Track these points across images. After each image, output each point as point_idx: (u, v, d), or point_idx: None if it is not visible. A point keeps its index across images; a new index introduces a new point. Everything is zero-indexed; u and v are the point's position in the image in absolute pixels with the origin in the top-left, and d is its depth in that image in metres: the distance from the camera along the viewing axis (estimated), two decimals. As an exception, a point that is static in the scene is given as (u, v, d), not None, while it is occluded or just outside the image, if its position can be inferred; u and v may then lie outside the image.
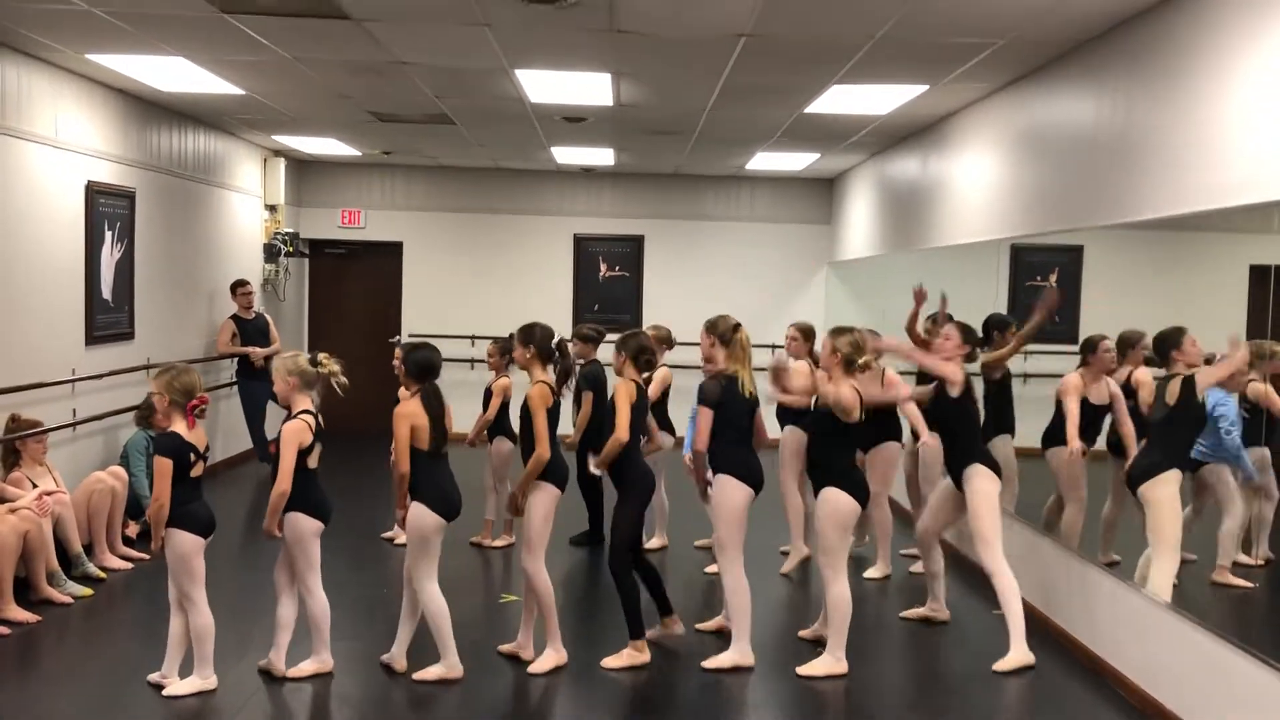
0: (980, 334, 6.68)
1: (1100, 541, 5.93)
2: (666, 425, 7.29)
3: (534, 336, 5.40)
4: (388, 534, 7.68)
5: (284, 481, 4.89)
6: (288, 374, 5.01)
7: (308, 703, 4.96)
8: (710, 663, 5.38)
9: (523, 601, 5.56)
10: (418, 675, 5.13)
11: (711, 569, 6.72)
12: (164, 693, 4.88)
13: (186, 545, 4.85)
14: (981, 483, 5.57)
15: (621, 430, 5.30)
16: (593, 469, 6.01)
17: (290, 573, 5.11)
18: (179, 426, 4.87)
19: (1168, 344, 5.28)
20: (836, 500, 5.26)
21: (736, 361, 5.40)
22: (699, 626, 5.91)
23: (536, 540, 5.28)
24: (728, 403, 5.34)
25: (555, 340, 5.43)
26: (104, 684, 5.12)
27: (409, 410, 5.05)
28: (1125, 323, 5.99)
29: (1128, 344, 5.92)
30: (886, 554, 7.16)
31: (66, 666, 5.36)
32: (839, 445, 5.34)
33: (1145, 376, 5.74)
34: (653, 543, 7.41)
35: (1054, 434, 6.07)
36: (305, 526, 5.00)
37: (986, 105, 7.27)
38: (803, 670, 5.32)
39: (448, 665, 5.12)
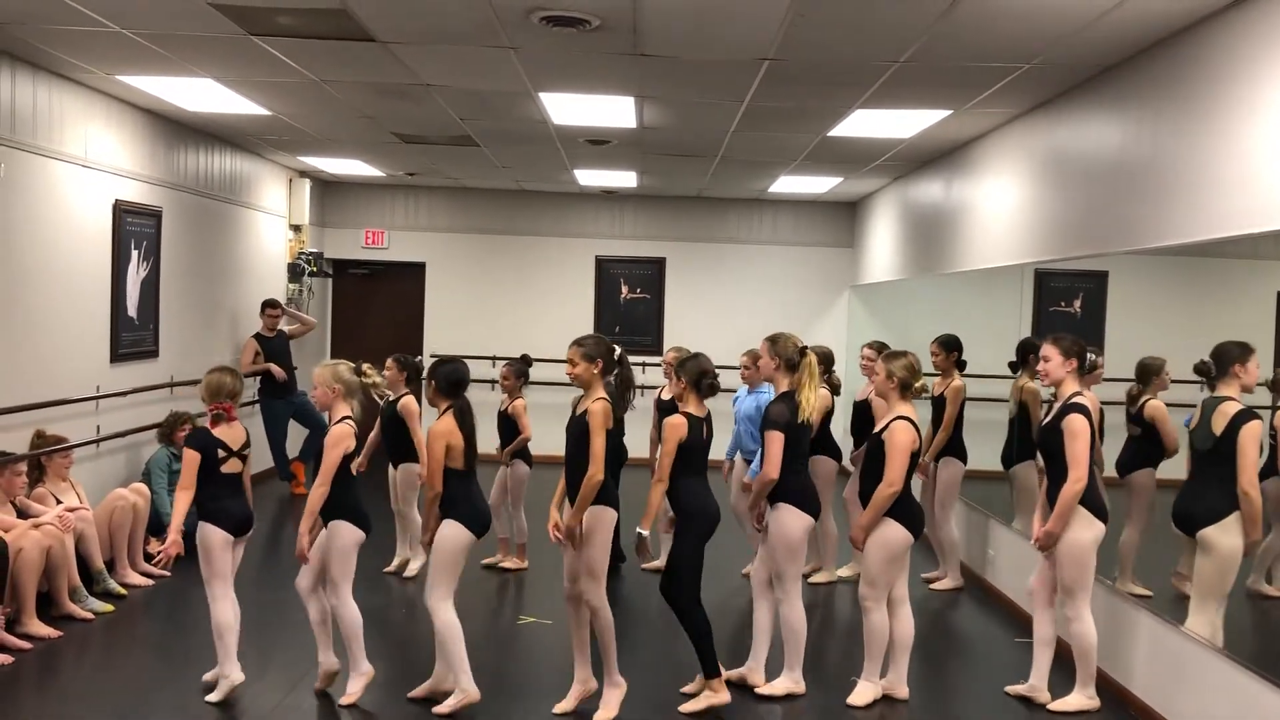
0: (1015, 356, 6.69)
1: (1121, 568, 5.83)
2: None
3: (600, 350, 4.95)
4: (390, 568, 7.41)
5: (325, 483, 4.90)
6: (332, 383, 5.04)
7: (325, 723, 4.95)
8: (765, 689, 5.32)
9: (575, 637, 5.09)
10: (437, 709, 4.94)
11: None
12: (206, 698, 4.98)
13: (213, 539, 4.94)
14: (1077, 529, 5.02)
15: (663, 476, 4.98)
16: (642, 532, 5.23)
17: (313, 578, 5.10)
18: (222, 432, 5.06)
19: (1225, 362, 4.83)
20: (890, 531, 5.10)
21: (802, 384, 5.23)
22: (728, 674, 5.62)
23: (600, 568, 4.92)
24: (794, 426, 5.18)
25: (616, 354, 5.06)
26: (124, 700, 5.12)
27: (444, 428, 4.93)
28: (1150, 349, 5.94)
29: (1150, 371, 5.76)
30: (831, 562, 7.50)
31: (87, 682, 5.37)
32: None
33: (1162, 409, 5.62)
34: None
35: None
36: (349, 536, 5.01)
37: (1011, 129, 7.25)
38: (853, 700, 5.25)
39: (463, 690, 4.94)
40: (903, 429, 5.08)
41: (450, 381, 5.05)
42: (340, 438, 4.95)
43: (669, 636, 5.87)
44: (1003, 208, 7.36)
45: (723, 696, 5.11)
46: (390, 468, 7.23)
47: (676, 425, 4.99)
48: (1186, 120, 4.91)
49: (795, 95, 6.70)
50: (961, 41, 5.30)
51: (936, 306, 9.20)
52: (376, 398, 5.25)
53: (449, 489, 4.93)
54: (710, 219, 12.69)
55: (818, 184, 10.90)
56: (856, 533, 5.21)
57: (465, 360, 5.31)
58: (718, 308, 12.41)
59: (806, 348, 5.30)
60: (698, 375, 5.11)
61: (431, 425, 4.99)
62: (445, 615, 4.90)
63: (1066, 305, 7.17)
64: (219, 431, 5.04)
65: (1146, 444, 5.73)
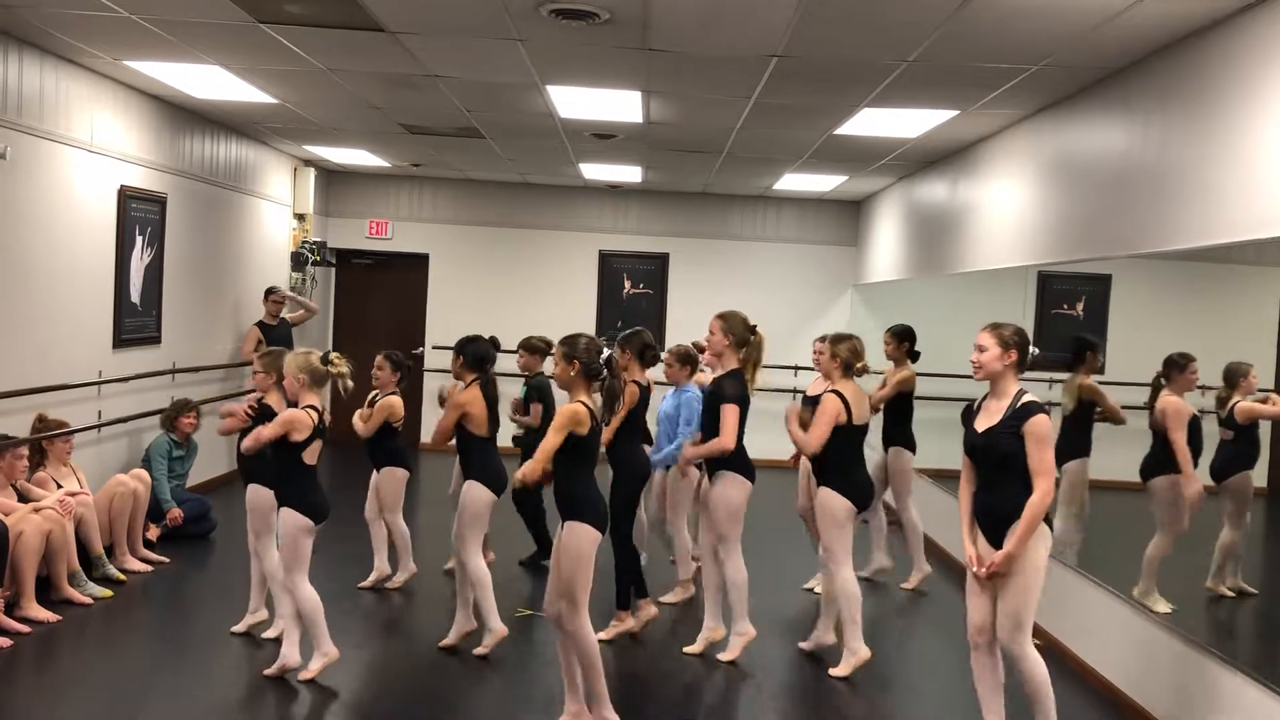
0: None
1: (1217, 567, 5.44)
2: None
3: (578, 350, 4.56)
4: (367, 583, 6.81)
5: (266, 435, 4.99)
6: (296, 372, 5.09)
7: (304, 708, 4.97)
8: (727, 655, 5.64)
9: (563, 663, 4.65)
10: (478, 650, 5.52)
11: (814, 584, 6.91)
12: (263, 636, 5.57)
13: (266, 501, 5.39)
14: (1036, 546, 4.22)
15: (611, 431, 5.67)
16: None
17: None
18: (272, 399, 5.37)
19: None
20: (829, 500, 5.49)
21: (749, 361, 5.63)
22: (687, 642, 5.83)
23: (578, 591, 4.43)
24: (745, 399, 5.58)
25: (604, 356, 4.60)
26: (122, 684, 5.14)
27: (467, 398, 5.55)
28: (1152, 353, 5.91)
29: (1237, 375, 5.44)
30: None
31: (85, 667, 5.37)
32: (836, 447, 5.47)
33: (1254, 408, 5.39)
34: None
35: (1158, 464, 5.61)
36: (296, 523, 5.04)
37: (1017, 131, 7.25)
38: (836, 672, 5.50)
39: (492, 630, 5.52)
40: (831, 399, 5.49)
41: (476, 358, 5.71)
42: (291, 418, 4.98)
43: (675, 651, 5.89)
44: (1008, 209, 7.36)
45: (627, 625, 5.87)
46: (375, 472, 6.79)
47: (632, 391, 5.79)
48: (1193, 125, 4.90)
49: (803, 92, 6.70)
50: (970, 42, 5.30)
51: (939, 307, 9.20)
52: (342, 390, 5.18)
53: (473, 453, 5.53)
54: (714, 215, 12.69)
55: (822, 182, 10.90)
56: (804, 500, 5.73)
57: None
58: (720, 304, 12.17)
59: (755, 326, 5.69)
60: (641, 347, 6.05)
61: (457, 395, 5.56)
62: (477, 565, 5.48)
63: (1069, 308, 7.16)
64: (277, 407, 5.39)
65: (1242, 447, 5.63)
